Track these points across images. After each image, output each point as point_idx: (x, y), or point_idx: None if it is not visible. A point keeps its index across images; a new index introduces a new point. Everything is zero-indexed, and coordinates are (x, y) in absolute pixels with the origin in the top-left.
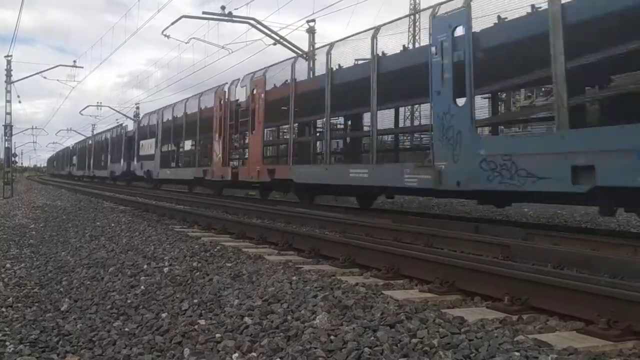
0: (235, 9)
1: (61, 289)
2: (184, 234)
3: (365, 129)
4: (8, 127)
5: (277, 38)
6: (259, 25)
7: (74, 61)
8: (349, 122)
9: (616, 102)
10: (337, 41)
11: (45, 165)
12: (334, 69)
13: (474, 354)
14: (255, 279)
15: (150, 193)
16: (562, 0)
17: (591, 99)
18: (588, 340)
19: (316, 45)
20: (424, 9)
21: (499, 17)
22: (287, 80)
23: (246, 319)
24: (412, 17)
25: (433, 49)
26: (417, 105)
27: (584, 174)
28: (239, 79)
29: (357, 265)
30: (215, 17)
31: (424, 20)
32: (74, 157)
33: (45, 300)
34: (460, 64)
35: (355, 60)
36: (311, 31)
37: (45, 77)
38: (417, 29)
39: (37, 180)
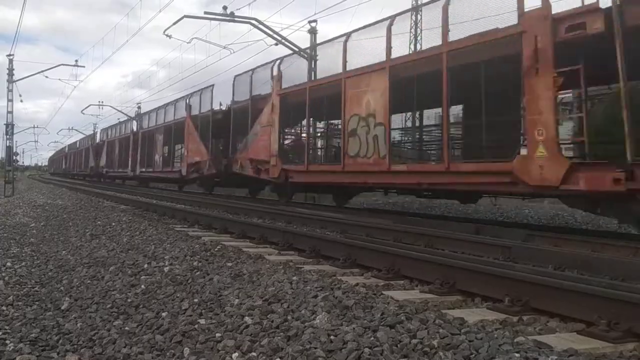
0: (237, 9)
1: (61, 288)
2: (184, 234)
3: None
4: (9, 126)
5: (279, 38)
6: (260, 26)
7: (76, 60)
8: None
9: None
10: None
11: (47, 164)
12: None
13: (474, 355)
14: (256, 278)
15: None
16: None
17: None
18: (588, 341)
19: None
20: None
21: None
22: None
23: (246, 318)
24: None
25: None
26: None
27: None
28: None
29: (358, 266)
30: (217, 17)
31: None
32: (160, 143)
33: (46, 299)
34: None
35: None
36: (313, 32)
37: (47, 77)
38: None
39: (38, 179)
